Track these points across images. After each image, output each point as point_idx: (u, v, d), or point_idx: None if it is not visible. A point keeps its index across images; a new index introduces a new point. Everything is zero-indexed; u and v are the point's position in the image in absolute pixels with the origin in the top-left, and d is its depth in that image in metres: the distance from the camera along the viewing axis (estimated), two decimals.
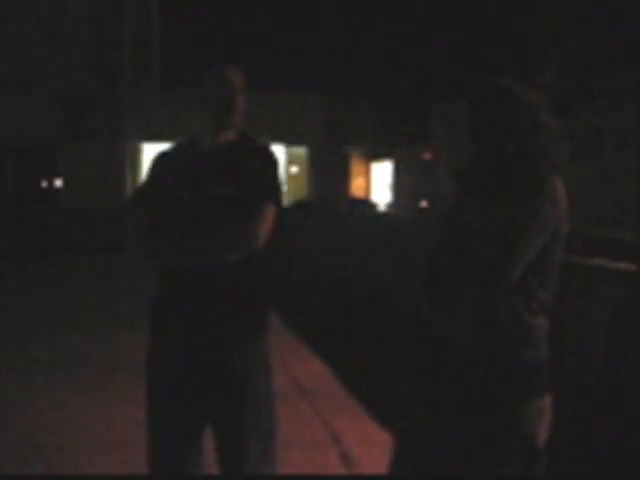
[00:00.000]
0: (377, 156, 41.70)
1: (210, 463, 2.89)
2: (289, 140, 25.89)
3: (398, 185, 42.00)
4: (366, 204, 31.18)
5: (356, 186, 36.77)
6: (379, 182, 42.35)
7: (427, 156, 36.63)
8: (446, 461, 2.49)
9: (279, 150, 25.07)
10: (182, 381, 2.73)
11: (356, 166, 36.80)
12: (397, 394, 6.37)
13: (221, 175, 2.72)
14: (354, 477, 4.35)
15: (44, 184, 24.21)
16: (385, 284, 11.12)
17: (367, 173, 42.56)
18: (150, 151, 25.42)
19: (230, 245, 2.64)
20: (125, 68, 24.58)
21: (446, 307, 2.48)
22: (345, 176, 30.33)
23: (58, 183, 24.12)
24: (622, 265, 7.01)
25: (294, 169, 27.73)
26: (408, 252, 10.32)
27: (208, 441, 2.84)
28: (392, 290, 10.72)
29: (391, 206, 39.65)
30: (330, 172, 27.88)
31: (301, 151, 27.34)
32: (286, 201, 14.70)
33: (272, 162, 2.79)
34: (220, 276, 2.68)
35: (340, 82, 27.45)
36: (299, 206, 24.29)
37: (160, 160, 2.90)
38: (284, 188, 2.86)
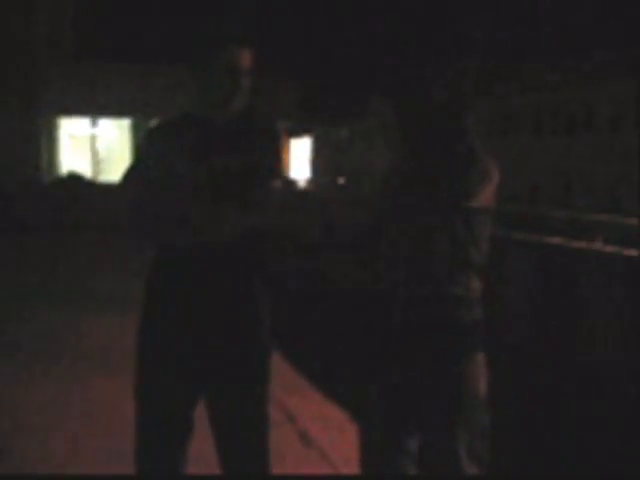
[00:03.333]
0: (296, 132, 41.69)
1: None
2: None
3: (316, 162, 42.12)
4: (287, 181, 31.22)
5: None
6: (298, 159, 42.36)
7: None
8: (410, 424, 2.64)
9: None
10: (177, 362, 2.65)
11: None
12: (346, 373, 6.42)
13: (223, 148, 2.62)
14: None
15: None
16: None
17: (287, 149, 42.49)
18: (68, 125, 24.80)
19: (243, 220, 2.58)
20: (37, 39, 23.78)
21: (385, 279, 2.61)
22: None
23: None
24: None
25: None
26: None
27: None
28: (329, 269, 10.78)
29: (310, 182, 39.72)
30: None
31: None
32: None
33: (276, 138, 2.71)
34: (221, 255, 2.60)
35: (263, 59, 27.17)
36: None
37: (153, 135, 2.78)
38: None
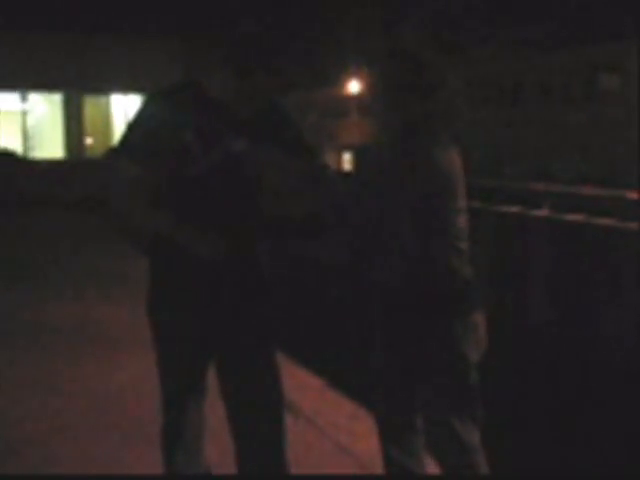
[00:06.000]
0: None
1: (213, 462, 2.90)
2: (148, 90, 24.62)
3: None
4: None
5: None
6: None
7: None
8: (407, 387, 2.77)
9: (135, 101, 24.17)
10: (189, 332, 2.66)
11: None
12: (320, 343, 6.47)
13: (244, 133, 2.53)
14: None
15: None
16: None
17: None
18: None
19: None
20: None
21: (380, 253, 2.72)
22: None
23: None
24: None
25: None
26: None
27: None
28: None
29: None
30: None
31: None
32: None
33: (292, 122, 2.68)
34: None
35: (201, 26, 26.41)
36: None
37: (161, 104, 2.57)
38: None
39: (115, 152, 2.57)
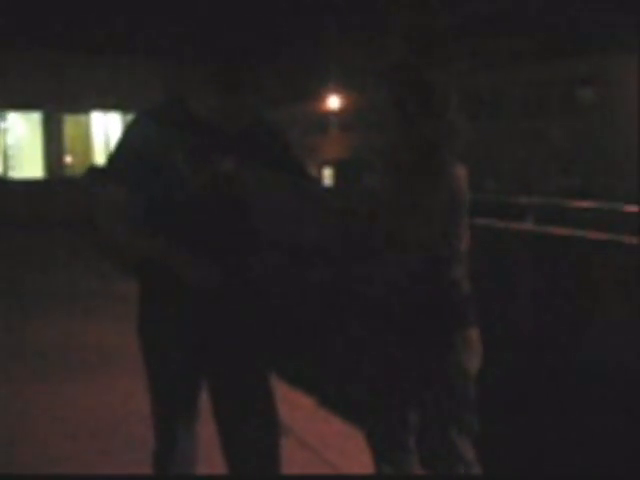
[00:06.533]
0: None
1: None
2: (128, 109, 24.21)
3: None
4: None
5: None
6: None
7: None
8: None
9: (115, 119, 24.08)
10: (177, 348, 2.62)
11: None
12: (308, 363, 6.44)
13: (232, 151, 2.49)
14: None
15: None
16: None
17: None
18: None
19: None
20: None
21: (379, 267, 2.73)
22: None
23: None
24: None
25: None
26: None
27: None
28: None
29: None
30: None
31: None
32: None
33: (280, 136, 2.66)
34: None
35: (183, 43, 26.25)
36: None
37: (146, 125, 2.53)
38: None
39: (102, 174, 2.54)
